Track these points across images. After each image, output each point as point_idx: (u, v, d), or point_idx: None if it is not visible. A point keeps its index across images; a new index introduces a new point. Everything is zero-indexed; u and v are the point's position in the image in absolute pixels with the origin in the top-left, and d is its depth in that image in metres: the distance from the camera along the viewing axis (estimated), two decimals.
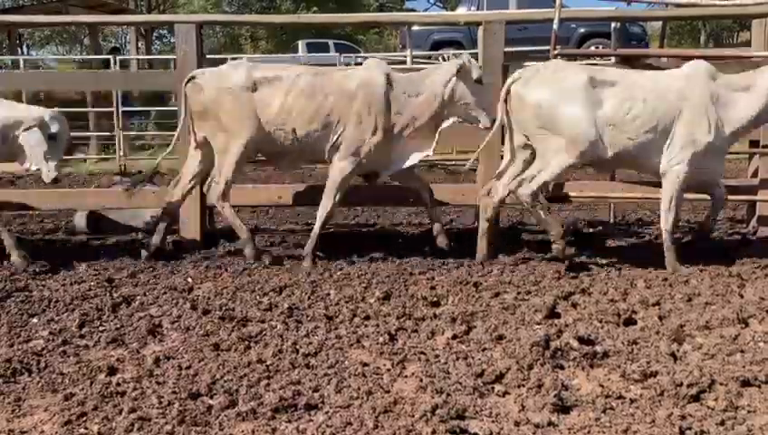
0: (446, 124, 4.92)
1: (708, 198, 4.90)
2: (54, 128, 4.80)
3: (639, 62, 5.64)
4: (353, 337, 3.35)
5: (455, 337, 3.36)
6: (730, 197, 5.11)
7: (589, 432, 2.41)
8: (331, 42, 22.85)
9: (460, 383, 2.78)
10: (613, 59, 6.00)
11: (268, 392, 2.70)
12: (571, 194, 5.48)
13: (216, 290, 4.19)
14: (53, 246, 5.70)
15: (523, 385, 2.77)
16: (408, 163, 4.95)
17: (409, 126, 4.86)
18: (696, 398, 2.65)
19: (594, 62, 6.56)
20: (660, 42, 7.19)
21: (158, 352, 3.16)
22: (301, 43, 22.70)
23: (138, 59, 19.78)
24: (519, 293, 4.13)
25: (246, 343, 3.28)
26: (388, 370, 2.96)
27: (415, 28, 16.10)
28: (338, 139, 4.84)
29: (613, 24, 7.59)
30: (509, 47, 5.60)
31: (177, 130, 5.25)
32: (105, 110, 12.65)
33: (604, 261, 4.95)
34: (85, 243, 5.79)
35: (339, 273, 4.62)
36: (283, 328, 3.49)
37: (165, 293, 4.16)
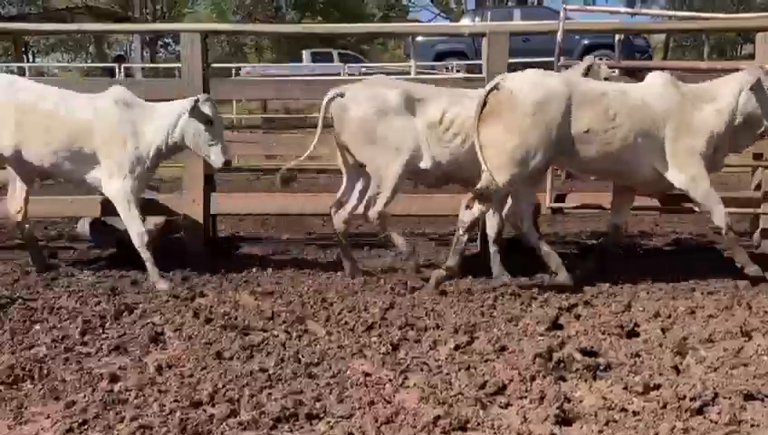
0: None
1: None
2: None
3: (642, 75, 5.65)
4: (355, 347, 3.35)
5: (457, 348, 3.35)
6: (734, 209, 5.09)
7: None
8: (335, 52, 22.95)
9: (462, 394, 2.77)
10: (617, 71, 6.02)
11: (270, 402, 2.69)
12: (573, 205, 5.49)
13: (218, 298, 4.19)
14: (57, 253, 5.71)
15: (526, 397, 2.76)
16: None
17: None
18: (699, 411, 2.64)
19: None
20: (664, 54, 7.22)
21: (160, 361, 3.15)
22: (305, 53, 22.81)
23: (143, 67, 19.88)
24: (522, 304, 4.13)
25: (249, 351, 3.28)
26: (390, 380, 2.95)
27: (419, 39, 16.22)
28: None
29: (617, 37, 7.62)
30: (513, 58, 5.62)
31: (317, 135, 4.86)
32: None
33: (607, 273, 4.94)
34: (88, 250, 5.80)
35: (342, 282, 4.62)
36: (285, 337, 3.49)
37: (167, 301, 4.16)
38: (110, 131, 4.64)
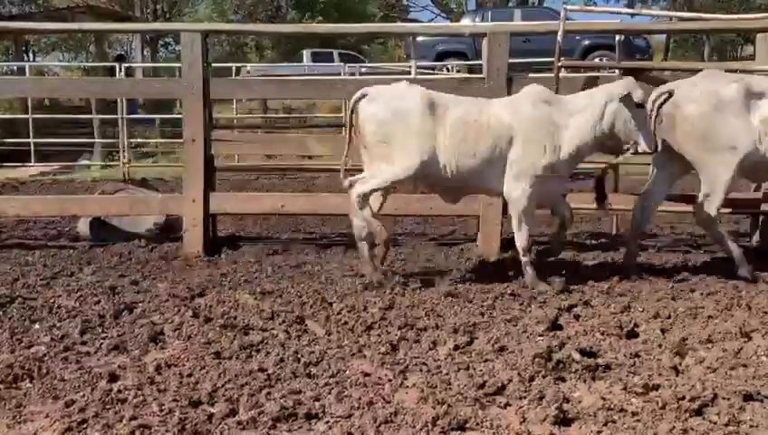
0: None
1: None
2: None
3: (643, 75, 5.66)
4: (355, 347, 3.35)
5: (456, 348, 3.35)
6: (734, 209, 5.10)
7: None
8: (335, 51, 22.96)
9: (461, 394, 2.77)
10: (617, 71, 6.02)
11: (269, 401, 2.69)
12: (574, 206, 5.48)
13: (218, 298, 4.19)
14: (56, 252, 5.71)
15: (525, 397, 2.76)
16: None
17: None
18: (698, 412, 2.64)
19: (599, 74, 6.59)
20: (664, 55, 7.22)
21: (159, 360, 3.15)
22: (305, 53, 22.83)
23: (143, 67, 19.88)
24: (521, 304, 4.13)
25: (248, 351, 3.28)
26: (390, 380, 2.96)
27: (420, 39, 16.23)
28: None
29: (617, 37, 7.63)
30: (513, 59, 5.63)
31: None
32: (109, 117, 12.71)
33: (606, 273, 4.94)
34: (88, 249, 5.80)
35: (341, 282, 4.62)
36: (284, 337, 3.49)
37: (167, 300, 4.16)
38: (531, 132, 4.41)
